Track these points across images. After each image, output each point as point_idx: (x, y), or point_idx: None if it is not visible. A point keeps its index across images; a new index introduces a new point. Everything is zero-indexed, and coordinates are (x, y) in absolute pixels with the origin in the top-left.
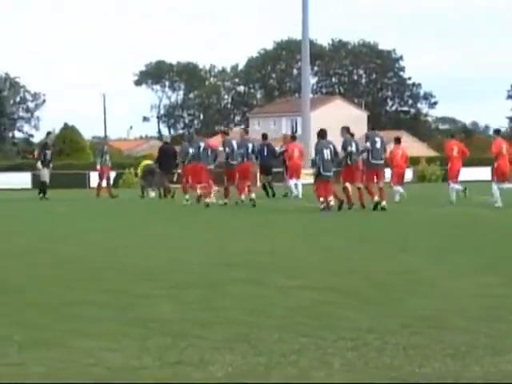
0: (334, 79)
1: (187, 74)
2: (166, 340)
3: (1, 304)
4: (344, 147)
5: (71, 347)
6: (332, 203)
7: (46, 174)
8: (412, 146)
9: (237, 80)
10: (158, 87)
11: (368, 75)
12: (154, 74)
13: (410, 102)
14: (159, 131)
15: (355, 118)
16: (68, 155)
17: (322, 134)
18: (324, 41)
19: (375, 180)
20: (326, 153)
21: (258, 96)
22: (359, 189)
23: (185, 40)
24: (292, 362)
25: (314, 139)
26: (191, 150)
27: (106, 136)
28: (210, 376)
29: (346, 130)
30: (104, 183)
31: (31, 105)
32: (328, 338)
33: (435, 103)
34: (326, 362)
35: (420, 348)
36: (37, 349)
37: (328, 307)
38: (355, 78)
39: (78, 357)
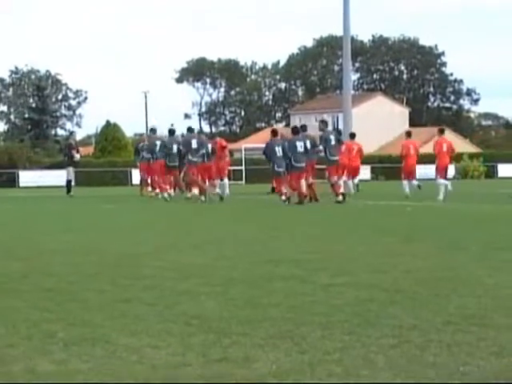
0: (375, 75)
1: (228, 71)
2: (210, 337)
3: (46, 300)
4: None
5: (116, 344)
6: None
7: (71, 173)
8: (454, 143)
9: (278, 77)
10: (199, 84)
11: (409, 71)
12: (196, 71)
13: (452, 98)
14: (200, 128)
15: (397, 114)
16: (110, 153)
17: (295, 130)
18: (365, 37)
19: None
20: (300, 145)
21: (300, 93)
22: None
23: (226, 37)
24: (336, 360)
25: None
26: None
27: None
28: (253, 373)
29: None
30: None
31: (73, 102)
32: (371, 336)
33: (478, 99)
34: (370, 360)
35: (464, 346)
36: (81, 346)
37: (371, 305)
38: (396, 73)
39: (122, 354)
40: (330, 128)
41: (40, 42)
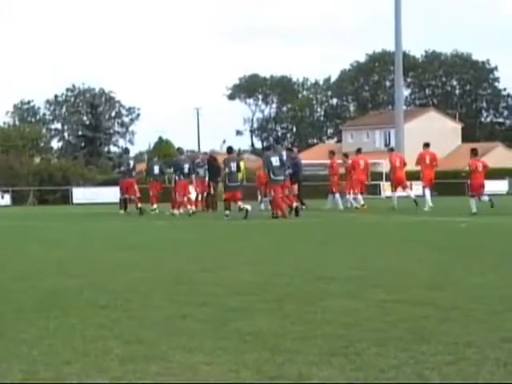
0: (427, 91)
1: (280, 88)
2: (264, 354)
3: (101, 317)
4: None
5: (171, 361)
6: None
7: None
8: (507, 158)
9: (329, 93)
10: (251, 101)
11: (462, 86)
12: (248, 87)
13: (505, 113)
14: (252, 145)
15: (449, 129)
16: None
17: (268, 148)
18: (417, 52)
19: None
20: (275, 159)
21: (351, 108)
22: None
23: (278, 53)
24: (390, 378)
25: (407, 152)
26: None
27: (199, 150)
28: None
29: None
30: (199, 196)
31: (126, 119)
32: (426, 353)
33: None
34: (425, 378)
35: None
36: (137, 362)
37: (426, 321)
38: (449, 89)
39: (176, 371)
40: (281, 147)
41: (95, 60)
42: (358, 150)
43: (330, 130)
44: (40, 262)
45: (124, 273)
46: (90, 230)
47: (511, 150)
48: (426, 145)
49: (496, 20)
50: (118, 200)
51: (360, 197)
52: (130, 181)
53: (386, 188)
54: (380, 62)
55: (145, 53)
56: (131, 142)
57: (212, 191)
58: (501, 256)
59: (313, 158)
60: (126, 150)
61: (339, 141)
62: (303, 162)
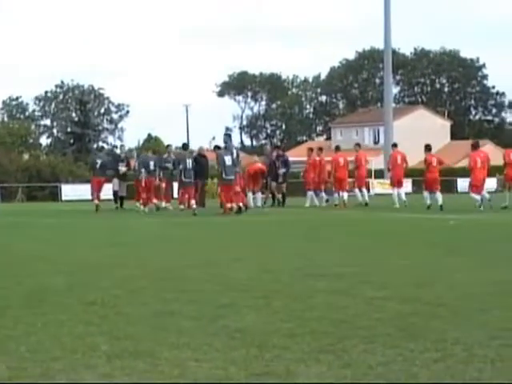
0: (416, 88)
1: (270, 85)
2: (252, 351)
3: (89, 313)
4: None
5: (158, 358)
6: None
7: (116, 184)
8: (496, 155)
9: (319, 90)
10: (240, 98)
11: (451, 84)
12: (237, 84)
13: (494, 110)
14: (241, 142)
15: (438, 127)
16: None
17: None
18: (406, 50)
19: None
20: (228, 159)
21: (340, 106)
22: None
23: (267, 50)
24: (378, 375)
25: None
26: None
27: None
28: None
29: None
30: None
31: (115, 116)
32: (415, 350)
33: None
34: (413, 375)
35: (509, 361)
36: (124, 359)
37: (414, 318)
38: (438, 86)
39: (164, 368)
40: (233, 143)
41: (84, 56)
42: (337, 148)
43: (319, 128)
44: (28, 258)
45: (112, 269)
46: (78, 227)
47: (500, 147)
48: (394, 145)
49: (484, 18)
50: (106, 197)
51: (337, 195)
52: (98, 179)
53: (375, 185)
54: (369, 60)
55: (134, 49)
56: (120, 138)
57: (200, 188)
58: (489, 253)
59: (302, 155)
60: (101, 149)
61: (328, 138)
62: (293, 159)
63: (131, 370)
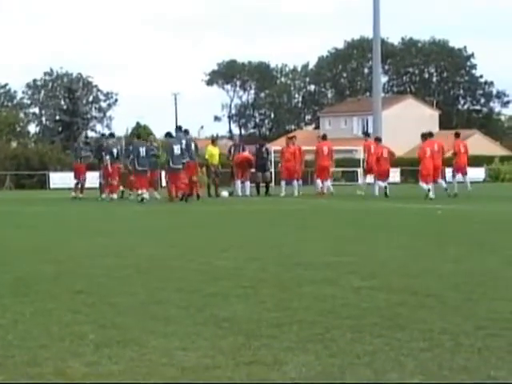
0: (405, 78)
1: (258, 74)
2: (240, 340)
3: (77, 302)
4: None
5: (146, 346)
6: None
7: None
8: (484, 145)
9: (307, 79)
10: (228, 87)
11: (439, 73)
12: (226, 73)
13: (482, 100)
14: (230, 131)
15: (427, 117)
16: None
17: (169, 134)
18: (395, 39)
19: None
20: (177, 148)
21: (329, 95)
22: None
23: (256, 39)
24: (366, 363)
25: (385, 139)
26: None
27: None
28: (283, 376)
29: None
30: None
31: (104, 104)
32: (402, 339)
33: (508, 102)
34: (400, 364)
35: (495, 350)
36: (112, 348)
37: (401, 308)
38: (426, 76)
39: (152, 356)
40: (190, 135)
41: (73, 44)
42: (323, 137)
43: (307, 117)
44: (15, 247)
45: (99, 258)
46: (66, 216)
47: (488, 137)
48: (378, 139)
49: (472, 7)
50: (95, 185)
51: (320, 182)
52: (80, 166)
53: (361, 175)
54: (358, 49)
55: (123, 37)
56: (109, 127)
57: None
58: (477, 243)
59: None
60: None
61: (317, 127)
62: (280, 148)
63: (119, 358)
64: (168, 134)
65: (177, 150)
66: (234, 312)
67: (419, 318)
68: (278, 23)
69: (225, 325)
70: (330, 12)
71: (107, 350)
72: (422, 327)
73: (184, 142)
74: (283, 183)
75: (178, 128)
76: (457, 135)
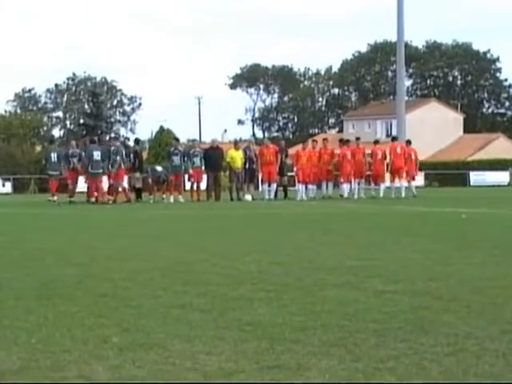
0: (429, 81)
1: (282, 77)
2: (263, 344)
3: (100, 305)
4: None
5: (170, 350)
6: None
7: (139, 180)
8: (509, 149)
9: (331, 83)
10: (252, 90)
11: (463, 77)
12: (249, 77)
13: (507, 103)
14: (254, 134)
15: (451, 120)
16: (164, 158)
17: (92, 141)
18: (419, 42)
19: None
20: (97, 154)
21: (353, 98)
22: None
23: (279, 43)
24: (389, 368)
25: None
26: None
27: (200, 139)
28: (307, 381)
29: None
30: (195, 186)
31: (128, 108)
32: (425, 344)
33: None
34: (424, 368)
35: None
36: (136, 351)
37: (425, 312)
38: (450, 79)
39: (175, 360)
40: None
41: (97, 48)
42: (342, 141)
43: (331, 120)
44: (39, 249)
45: (122, 262)
46: (89, 219)
47: None
48: (395, 138)
49: (496, 10)
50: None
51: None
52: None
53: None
54: (382, 52)
55: (147, 41)
56: (132, 130)
57: (211, 181)
58: (501, 247)
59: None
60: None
61: (340, 131)
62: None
63: (142, 361)
64: (90, 141)
65: (96, 155)
66: (258, 316)
67: (443, 322)
68: (301, 27)
69: (248, 329)
70: (353, 15)
71: (131, 354)
72: (447, 331)
73: (106, 147)
74: (299, 186)
75: (93, 139)
76: (393, 139)
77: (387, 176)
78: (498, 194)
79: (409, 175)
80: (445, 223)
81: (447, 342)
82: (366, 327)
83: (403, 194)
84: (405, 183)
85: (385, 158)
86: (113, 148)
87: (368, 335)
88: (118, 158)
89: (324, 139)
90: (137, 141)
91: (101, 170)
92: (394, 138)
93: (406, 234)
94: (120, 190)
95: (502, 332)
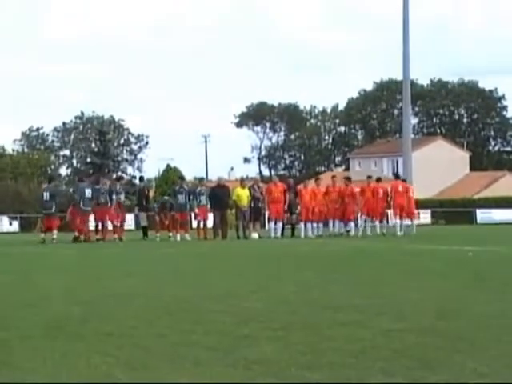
0: (435, 119)
1: (288, 115)
2: (270, 382)
3: (106, 344)
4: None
5: None
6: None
7: (144, 218)
8: None
9: (337, 121)
10: (258, 128)
11: (469, 115)
12: (255, 115)
13: None
14: (260, 172)
15: (457, 158)
16: (170, 196)
17: (80, 178)
18: (424, 81)
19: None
20: (88, 191)
21: (359, 136)
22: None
23: (285, 81)
24: None
25: (415, 180)
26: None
27: (207, 177)
28: None
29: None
30: (201, 224)
31: (135, 147)
32: (433, 382)
33: None
34: None
35: None
36: None
37: (433, 350)
38: (456, 117)
39: None
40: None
41: (104, 87)
42: (347, 178)
43: (337, 158)
44: (45, 288)
45: (129, 300)
46: (96, 257)
47: None
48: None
49: (501, 49)
50: (127, 226)
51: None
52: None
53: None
54: (387, 91)
55: (153, 80)
56: (139, 169)
57: (217, 219)
58: (508, 285)
59: (322, 186)
60: (119, 177)
61: (347, 169)
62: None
63: None
64: (79, 179)
65: (88, 193)
66: (264, 354)
67: (451, 361)
68: (306, 64)
69: (254, 367)
70: (358, 54)
71: None
72: (455, 369)
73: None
74: (302, 224)
75: (81, 177)
76: (377, 180)
77: (390, 213)
78: (505, 232)
79: (410, 213)
80: (452, 261)
81: (456, 379)
82: (373, 365)
83: (400, 233)
84: (407, 221)
85: (387, 195)
86: (98, 187)
87: (375, 373)
88: (103, 197)
89: (333, 176)
90: (141, 178)
91: (89, 208)
92: (397, 176)
93: (412, 271)
94: (110, 228)
95: (508, 367)
